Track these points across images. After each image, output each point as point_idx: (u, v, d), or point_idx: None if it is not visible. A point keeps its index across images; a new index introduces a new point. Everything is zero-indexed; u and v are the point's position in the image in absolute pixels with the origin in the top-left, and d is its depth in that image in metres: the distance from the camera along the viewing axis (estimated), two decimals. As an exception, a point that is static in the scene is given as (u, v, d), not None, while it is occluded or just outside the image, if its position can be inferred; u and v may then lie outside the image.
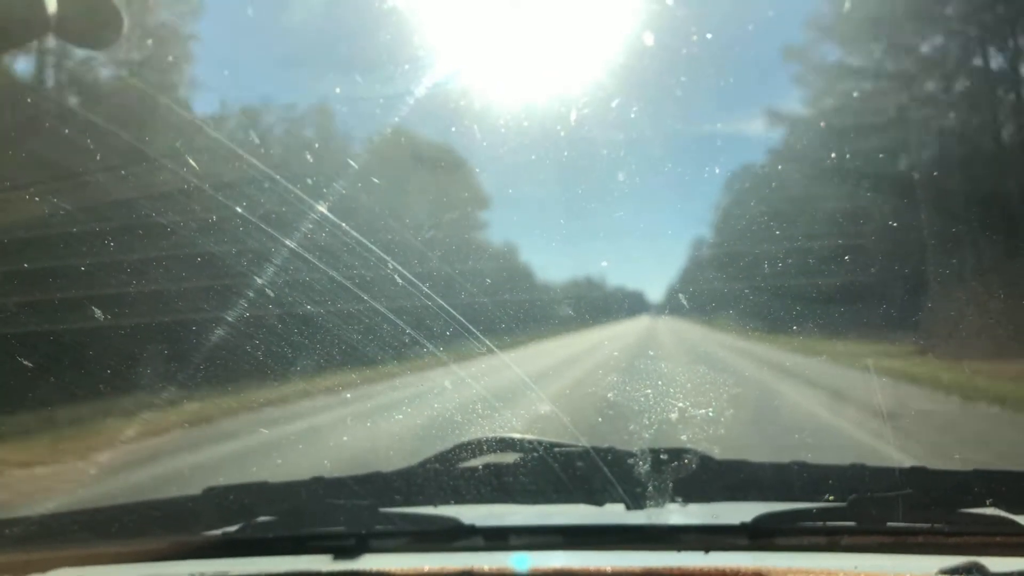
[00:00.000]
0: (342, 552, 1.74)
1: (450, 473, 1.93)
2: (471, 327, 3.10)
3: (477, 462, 1.96)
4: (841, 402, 9.30)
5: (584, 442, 1.92)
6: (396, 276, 3.43)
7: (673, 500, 1.83)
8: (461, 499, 1.91)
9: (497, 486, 1.92)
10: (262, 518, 1.87)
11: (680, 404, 2.75)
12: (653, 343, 18.19)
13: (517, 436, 2.01)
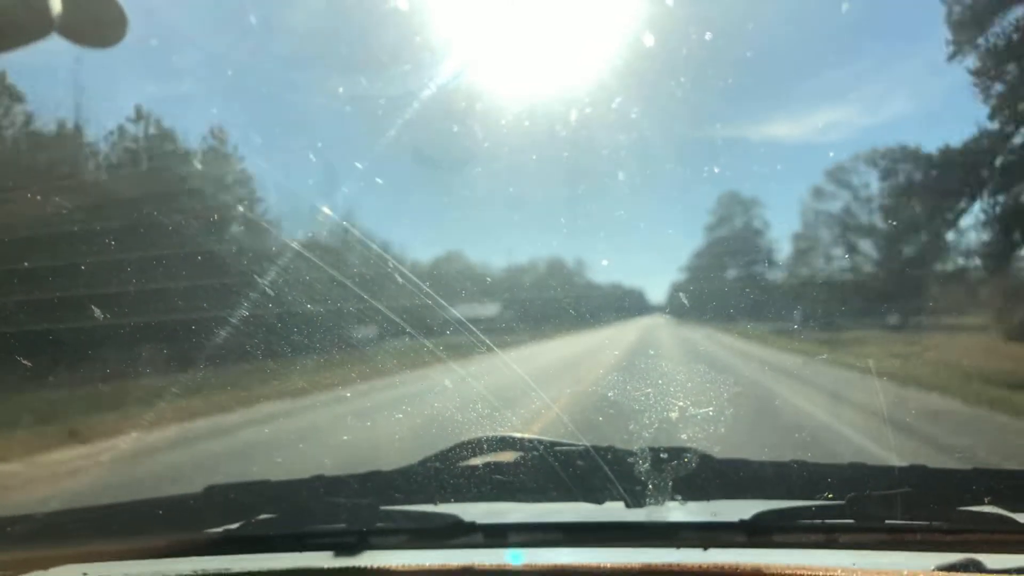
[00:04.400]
0: (343, 549, 1.75)
1: (450, 471, 1.94)
2: (471, 326, 3.11)
3: (477, 460, 1.97)
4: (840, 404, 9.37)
5: (584, 441, 1.92)
6: (396, 275, 3.44)
7: (673, 498, 1.84)
8: (462, 497, 1.92)
9: (497, 484, 1.92)
10: (263, 516, 1.87)
11: (680, 403, 2.76)
12: (653, 343, 18.15)
13: (517, 435, 2.02)
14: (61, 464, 8.20)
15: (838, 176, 39.21)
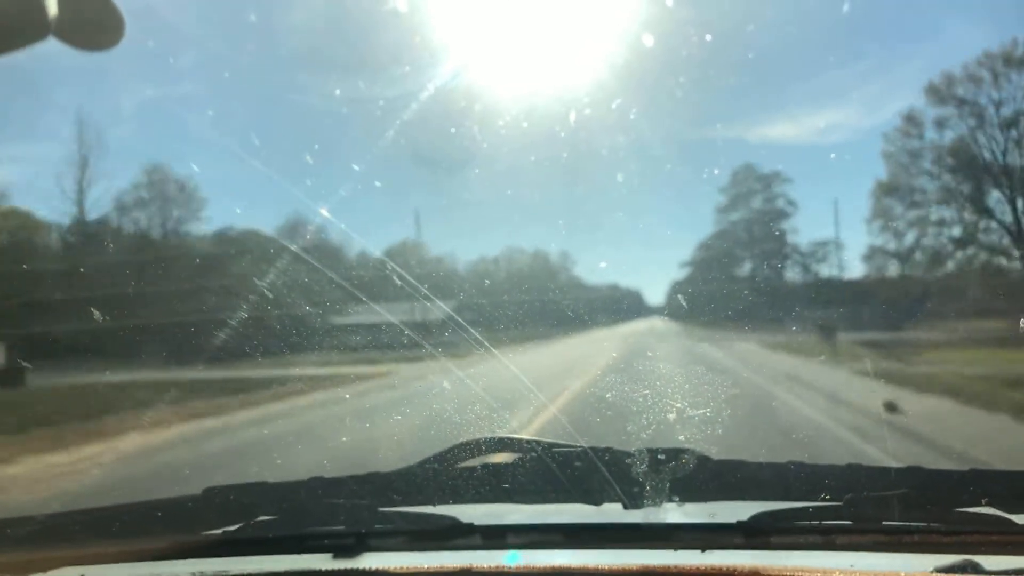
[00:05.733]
0: (342, 551, 1.75)
1: (449, 473, 1.94)
2: (470, 328, 3.11)
3: (476, 462, 1.97)
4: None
5: (582, 442, 1.92)
6: (395, 277, 3.44)
7: (670, 499, 1.84)
8: (460, 498, 1.92)
9: (495, 485, 1.93)
10: (262, 517, 1.87)
11: (677, 404, 2.76)
12: (650, 345, 18.12)
13: (516, 436, 2.02)
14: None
15: (948, 93, 24.16)
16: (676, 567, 1.53)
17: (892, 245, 26.62)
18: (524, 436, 2.01)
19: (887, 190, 26.58)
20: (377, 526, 1.82)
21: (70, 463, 7.86)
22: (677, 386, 2.93)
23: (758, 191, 35.19)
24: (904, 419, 9.08)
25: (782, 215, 35.62)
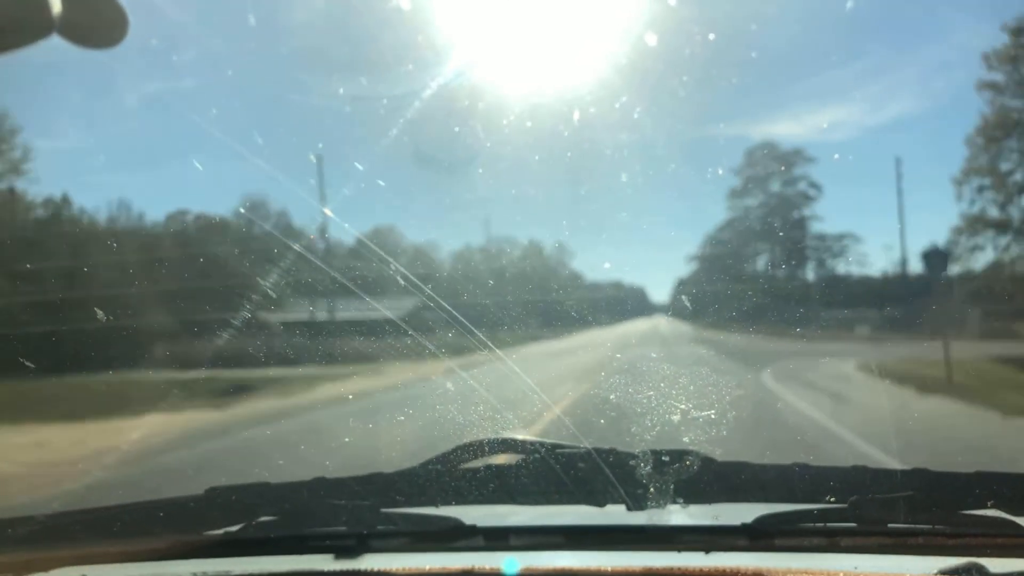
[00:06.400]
0: (344, 552, 1.74)
1: (452, 474, 1.94)
2: (473, 328, 3.10)
3: (479, 463, 1.97)
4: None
5: (586, 443, 1.92)
6: (399, 278, 3.44)
7: (674, 501, 1.84)
8: (463, 499, 1.91)
9: (499, 487, 1.92)
10: (264, 518, 1.87)
11: (682, 406, 2.74)
12: (655, 346, 18.10)
13: (519, 437, 2.02)
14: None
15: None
16: (680, 569, 1.53)
17: (995, 213, 18.20)
18: (527, 437, 2.00)
19: (994, 130, 17.27)
20: (379, 527, 1.81)
21: None
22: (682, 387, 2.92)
23: (776, 172, 30.49)
24: None
25: (806, 199, 31.12)
